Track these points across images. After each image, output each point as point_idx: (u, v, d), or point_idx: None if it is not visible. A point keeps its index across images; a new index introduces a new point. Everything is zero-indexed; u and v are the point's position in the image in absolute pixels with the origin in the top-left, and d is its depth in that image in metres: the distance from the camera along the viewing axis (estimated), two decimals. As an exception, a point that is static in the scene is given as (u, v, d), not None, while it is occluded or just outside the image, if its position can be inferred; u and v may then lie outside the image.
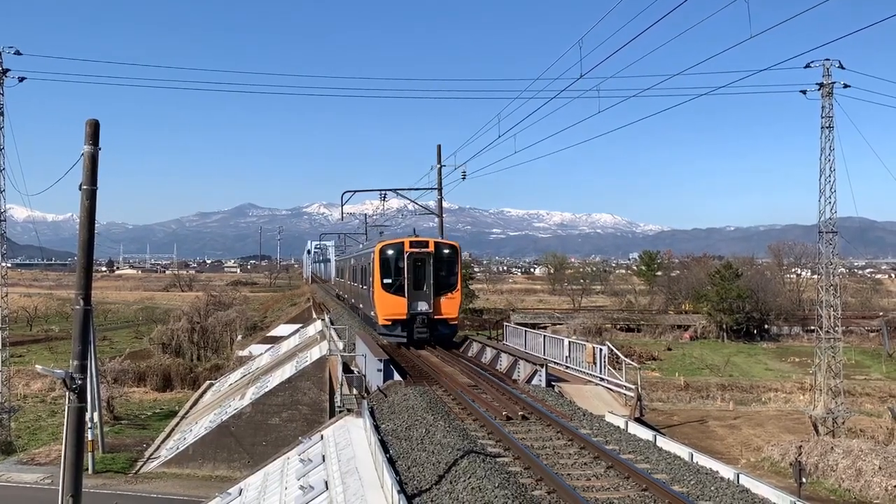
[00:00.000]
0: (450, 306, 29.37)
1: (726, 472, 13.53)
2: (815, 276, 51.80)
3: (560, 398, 21.16)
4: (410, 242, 29.34)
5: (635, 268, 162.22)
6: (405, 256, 28.79)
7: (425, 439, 15.48)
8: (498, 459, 14.16)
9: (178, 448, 34.30)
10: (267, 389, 35.32)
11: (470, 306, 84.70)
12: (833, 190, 38.89)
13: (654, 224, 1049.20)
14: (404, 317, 28.89)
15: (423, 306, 28.91)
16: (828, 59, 37.37)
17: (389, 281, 28.94)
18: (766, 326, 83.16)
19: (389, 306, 28.98)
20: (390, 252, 29.21)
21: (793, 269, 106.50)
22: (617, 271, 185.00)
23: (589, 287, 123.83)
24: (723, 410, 48.46)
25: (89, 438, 30.79)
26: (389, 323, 29.11)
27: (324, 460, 17.25)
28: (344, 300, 55.34)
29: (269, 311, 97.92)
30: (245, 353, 60.86)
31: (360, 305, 38.15)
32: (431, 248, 29.19)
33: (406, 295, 28.71)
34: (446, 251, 29.60)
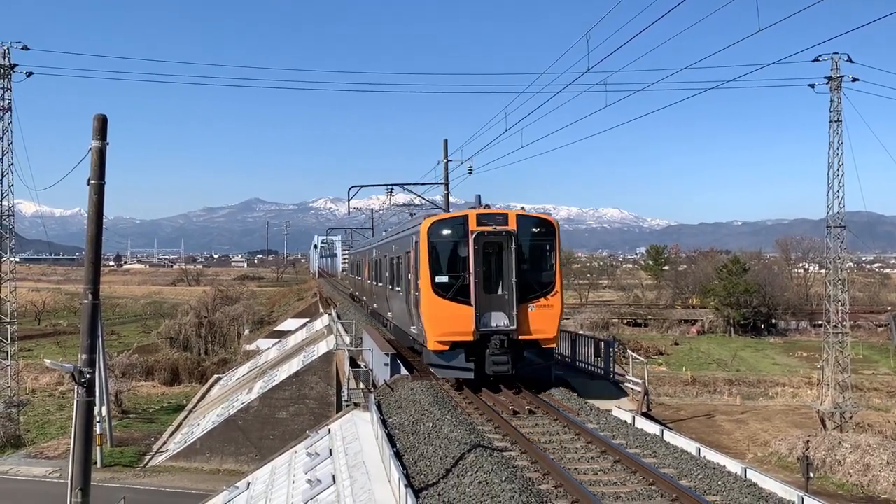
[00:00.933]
0: (544, 319, 19.31)
1: (734, 466, 13.51)
2: (823, 271, 51.62)
3: (567, 393, 21.16)
4: (479, 217, 19.18)
5: (642, 262, 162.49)
6: (471, 239, 18.87)
7: (432, 433, 15.50)
8: (505, 454, 14.16)
9: (185, 442, 34.46)
10: (274, 383, 35.43)
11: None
12: (841, 184, 38.79)
13: (661, 219, 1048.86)
14: (470, 337, 18.85)
15: (500, 320, 19.00)
16: (836, 53, 37.25)
17: (445, 279, 19.10)
18: (773, 321, 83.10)
19: (445, 320, 19.05)
20: (446, 232, 19.30)
21: (800, 264, 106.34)
22: (624, 266, 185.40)
23: (596, 282, 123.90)
24: (730, 405, 48.43)
25: (98, 432, 31.01)
26: (446, 348, 19.17)
27: (331, 454, 17.30)
28: (362, 303, 45.77)
29: (276, 306, 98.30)
30: (252, 347, 61.22)
31: (390, 314, 27.73)
32: (513, 226, 19.04)
33: (473, 302, 18.82)
34: (536, 230, 19.62)
